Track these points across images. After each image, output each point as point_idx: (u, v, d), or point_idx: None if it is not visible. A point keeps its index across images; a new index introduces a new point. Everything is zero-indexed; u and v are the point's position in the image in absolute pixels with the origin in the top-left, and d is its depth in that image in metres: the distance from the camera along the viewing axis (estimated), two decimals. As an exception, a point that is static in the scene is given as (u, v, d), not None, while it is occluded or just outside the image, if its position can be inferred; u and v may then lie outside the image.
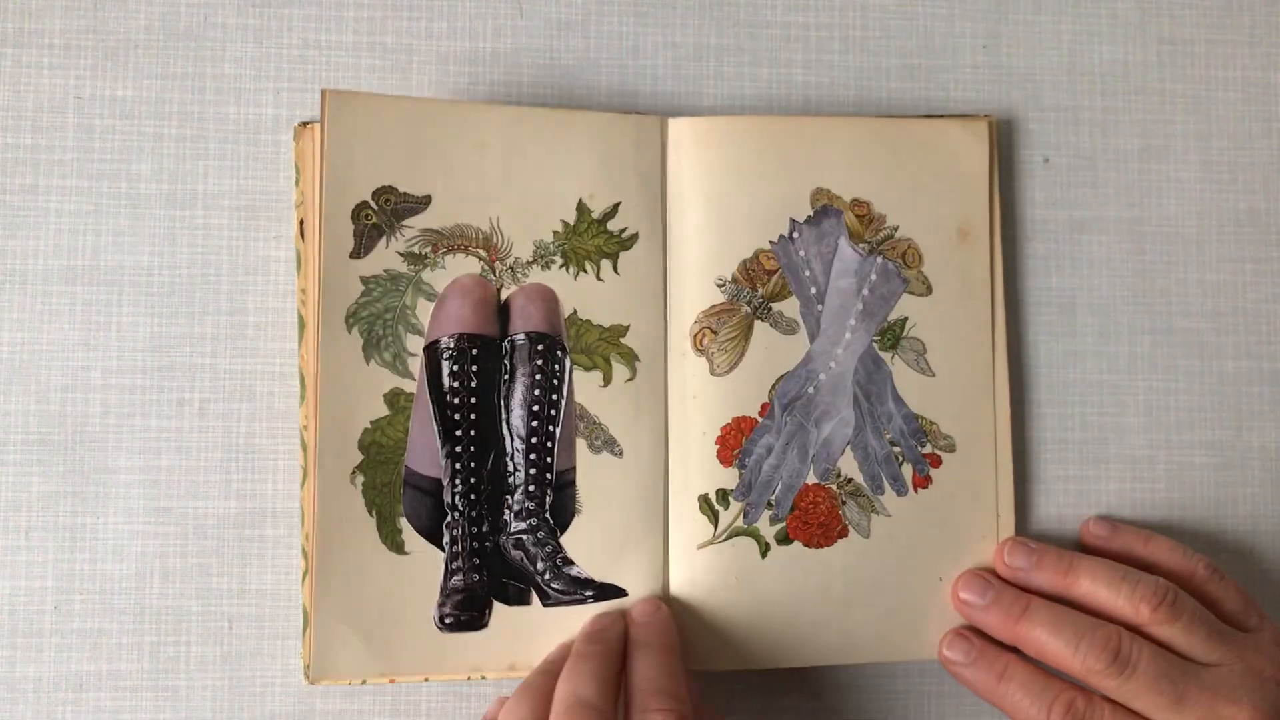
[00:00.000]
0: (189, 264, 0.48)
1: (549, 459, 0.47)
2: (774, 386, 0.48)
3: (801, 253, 0.49)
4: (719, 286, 0.48)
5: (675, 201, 0.48)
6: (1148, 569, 0.47)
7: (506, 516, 0.46)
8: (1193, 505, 0.51)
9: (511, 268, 0.47)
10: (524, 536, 0.46)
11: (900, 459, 0.49)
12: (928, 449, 0.49)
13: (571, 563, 0.46)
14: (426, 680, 0.46)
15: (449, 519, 0.46)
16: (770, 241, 0.48)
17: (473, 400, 0.46)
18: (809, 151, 0.49)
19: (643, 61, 0.51)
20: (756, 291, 0.48)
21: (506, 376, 0.47)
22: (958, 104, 0.51)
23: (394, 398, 0.46)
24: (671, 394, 0.48)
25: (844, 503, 0.48)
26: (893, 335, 0.49)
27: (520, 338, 0.47)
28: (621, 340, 0.47)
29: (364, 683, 0.45)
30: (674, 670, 0.43)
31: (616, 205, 0.48)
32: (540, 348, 0.47)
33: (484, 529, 0.46)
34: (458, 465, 0.46)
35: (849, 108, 0.51)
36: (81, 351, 0.48)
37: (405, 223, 0.46)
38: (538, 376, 0.47)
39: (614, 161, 0.48)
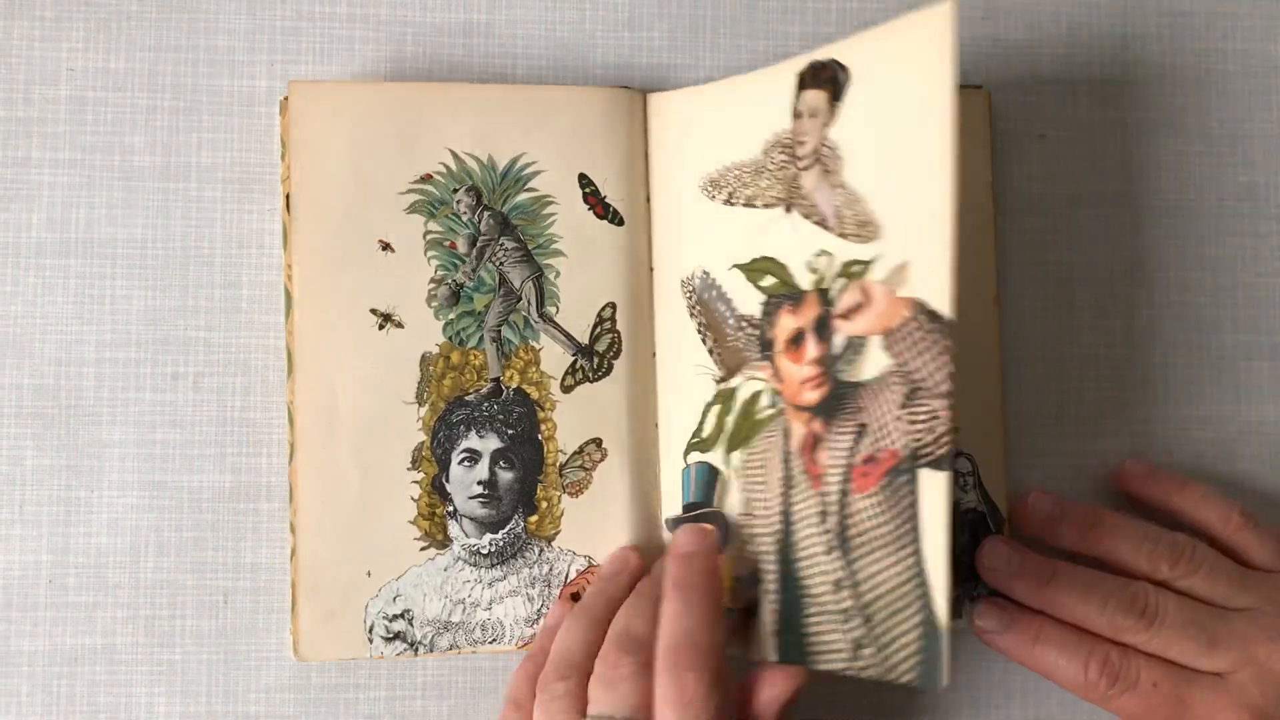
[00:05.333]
0: (182, 237, 0.48)
1: None
2: None
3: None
4: None
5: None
6: (1180, 515, 0.48)
7: None
8: (1190, 481, 0.50)
9: None
10: None
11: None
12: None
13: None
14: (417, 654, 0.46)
15: None
16: None
17: None
18: None
19: (639, 34, 0.50)
20: None
21: None
22: (955, 76, 0.51)
23: None
24: None
25: None
26: None
27: None
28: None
29: (354, 659, 0.45)
30: (709, 620, 0.40)
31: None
32: None
33: None
34: None
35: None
36: (75, 325, 0.48)
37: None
38: None
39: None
